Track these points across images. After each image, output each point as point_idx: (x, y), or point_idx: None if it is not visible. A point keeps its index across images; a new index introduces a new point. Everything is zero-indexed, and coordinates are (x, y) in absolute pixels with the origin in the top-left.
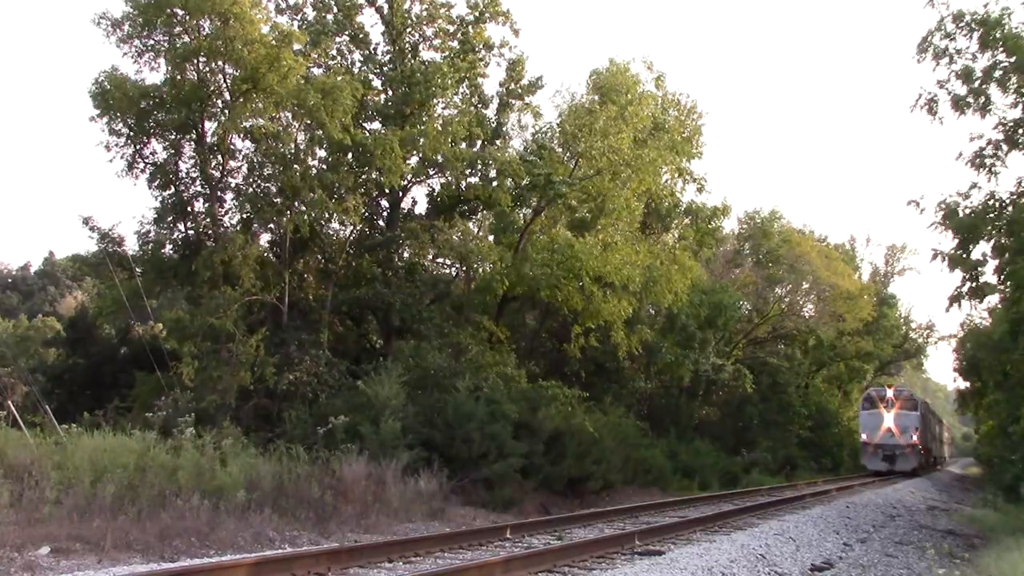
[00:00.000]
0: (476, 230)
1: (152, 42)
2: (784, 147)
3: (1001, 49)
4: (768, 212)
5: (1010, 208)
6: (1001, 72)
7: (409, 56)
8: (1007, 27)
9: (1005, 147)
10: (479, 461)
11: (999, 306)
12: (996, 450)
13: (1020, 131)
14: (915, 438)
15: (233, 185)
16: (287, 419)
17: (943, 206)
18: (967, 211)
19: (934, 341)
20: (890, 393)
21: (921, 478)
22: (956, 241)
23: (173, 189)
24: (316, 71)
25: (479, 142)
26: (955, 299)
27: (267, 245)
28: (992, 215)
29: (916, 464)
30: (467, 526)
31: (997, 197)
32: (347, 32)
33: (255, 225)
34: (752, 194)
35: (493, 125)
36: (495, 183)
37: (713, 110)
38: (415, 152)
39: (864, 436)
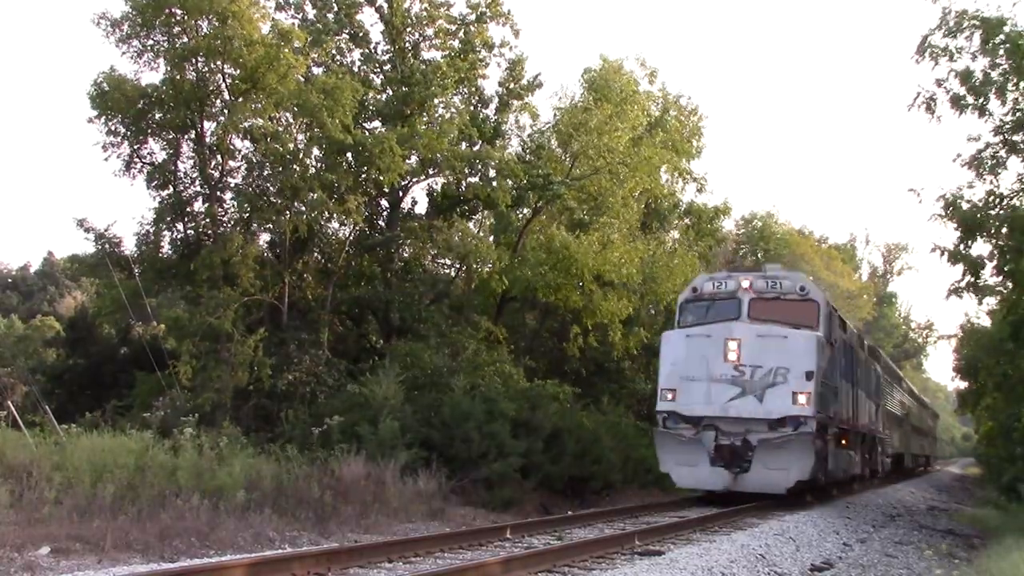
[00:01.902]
0: (476, 230)
1: (151, 42)
2: (784, 147)
3: (1002, 53)
4: (764, 213)
5: (1014, 202)
6: (1000, 74)
7: (409, 56)
8: (1009, 29)
9: (1004, 152)
10: (478, 461)
11: (997, 307)
12: (996, 450)
13: (1019, 135)
14: (803, 400)
15: (232, 185)
16: (284, 419)
17: (943, 199)
18: (968, 204)
19: (934, 340)
20: (744, 283)
21: (920, 479)
22: (958, 234)
23: (172, 189)
24: (316, 70)
25: (479, 142)
26: (954, 291)
27: (266, 245)
28: (993, 211)
29: (808, 469)
30: (467, 526)
31: (998, 193)
32: (347, 31)
33: (254, 225)
34: (752, 194)
35: (493, 125)
36: (494, 183)
37: (713, 110)
38: (413, 151)
39: (669, 396)
